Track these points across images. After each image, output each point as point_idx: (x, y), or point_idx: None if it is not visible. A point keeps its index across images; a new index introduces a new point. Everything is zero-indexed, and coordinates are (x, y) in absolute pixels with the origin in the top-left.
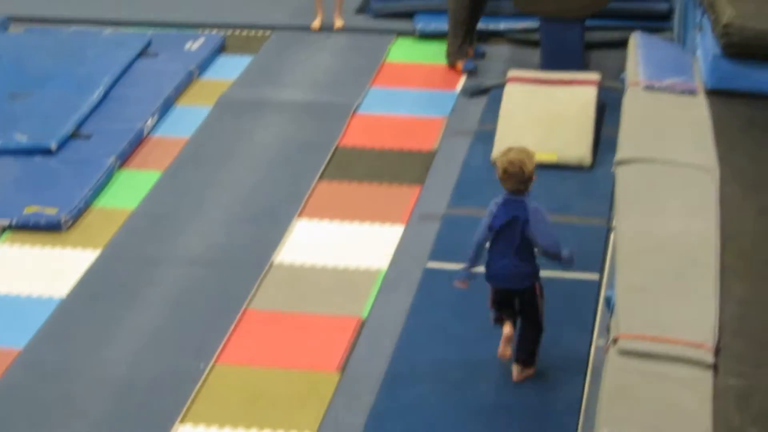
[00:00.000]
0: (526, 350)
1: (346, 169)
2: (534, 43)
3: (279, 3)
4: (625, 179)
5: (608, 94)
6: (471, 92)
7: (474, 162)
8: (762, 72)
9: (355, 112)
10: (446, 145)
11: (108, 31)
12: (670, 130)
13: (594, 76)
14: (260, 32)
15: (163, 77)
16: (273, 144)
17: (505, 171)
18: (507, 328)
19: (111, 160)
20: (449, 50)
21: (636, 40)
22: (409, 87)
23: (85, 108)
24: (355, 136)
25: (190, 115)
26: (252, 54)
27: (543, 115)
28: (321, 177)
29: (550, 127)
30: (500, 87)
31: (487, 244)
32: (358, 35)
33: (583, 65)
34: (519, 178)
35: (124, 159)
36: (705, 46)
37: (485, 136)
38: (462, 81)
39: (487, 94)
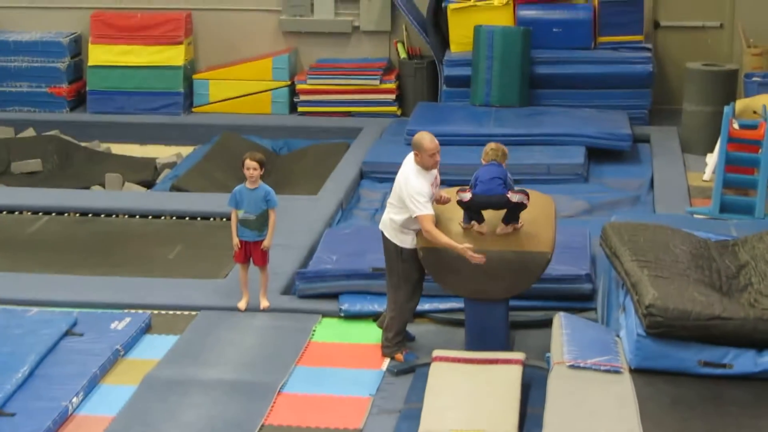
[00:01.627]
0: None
1: None
2: (459, 323)
3: (205, 284)
4: None
5: (533, 373)
6: (397, 371)
7: None
8: (685, 351)
9: (280, 391)
10: (372, 424)
11: (34, 310)
12: (596, 409)
13: (518, 355)
14: (186, 312)
15: (89, 356)
16: (198, 423)
17: (492, 149)
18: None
19: None
20: (387, 344)
21: (560, 321)
22: (335, 366)
23: (9, 386)
24: (281, 415)
25: (116, 394)
26: (178, 334)
27: (469, 393)
28: None
29: (476, 405)
30: (426, 366)
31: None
32: (283, 315)
33: (507, 345)
34: (499, 152)
35: None
36: (629, 326)
37: (412, 414)
38: (388, 360)
39: (413, 372)
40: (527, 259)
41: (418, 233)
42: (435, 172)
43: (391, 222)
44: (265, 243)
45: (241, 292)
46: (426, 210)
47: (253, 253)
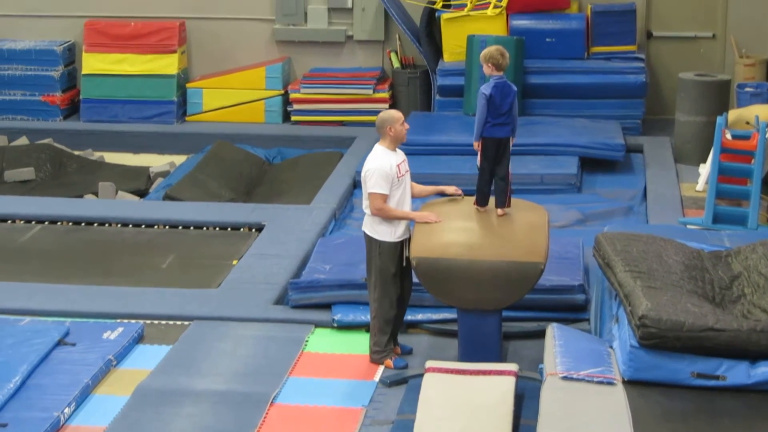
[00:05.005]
0: (503, 198)
1: None
2: (452, 334)
3: (197, 294)
4: None
5: (526, 385)
6: (390, 382)
7: None
8: (678, 363)
9: (273, 402)
10: None
11: (26, 320)
12: (589, 421)
13: (512, 366)
14: (179, 322)
15: (81, 366)
16: None
17: (498, 54)
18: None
19: None
20: (376, 349)
21: (553, 332)
22: (328, 377)
23: (1, 396)
24: (273, 426)
25: (108, 404)
26: (170, 343)
27: (462, 405)
28: None
29: (469, 417)
30: (419, 377)
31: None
32: (276, 326)
33: (500, 356)
34: (507, 56)
35: None
36: (622, 338)
37: (404, 425)
38: (380, 371)
39: (405, 384)
40: (520, 269)
41: (411, 241)
42: (402, 153)
43: (368, 219)
44: None
45: None
46: (380, 189)
47: None
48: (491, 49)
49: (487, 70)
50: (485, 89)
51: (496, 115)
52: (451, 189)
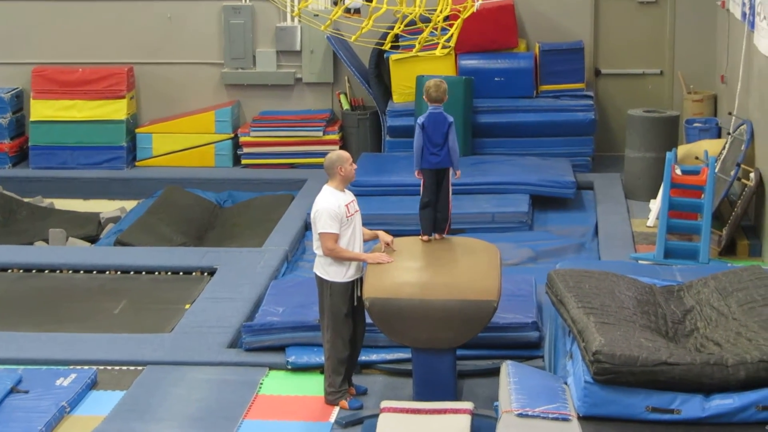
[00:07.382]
0: (442, 227)
1: None
2: (407, 374)
3: (150, 339)
4: None
5: (482, 423)
6: (345, 423)
7: None
8: (633, 397)
9: None
10: None
11: None
12: None
13: (467, 405)
14: (132, 367)
15: (34, 413)
16: None
17: (432, 86)
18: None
19: None
20: (330, 390)
21: (507, 369)
22: (283, 419)
23: None
24: None
25: None
26: (124, 389)
27: None
28: None
29: None
30: (374, 417)
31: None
32: (230, 369)
33: (455, 394)
34: (441, 89)
35: None
36: (576, 374)
37: None
38: (336, 412)
39: (361, 424)
40: (473, 307)
41: (364, 282)
42: (350, 193)
43: (319, 260)
44: None
45: None
46: (330, 229)
47: None
48: (428, 82)
49: (427, 101)
50: (420, 119)
51: (431, 145)
52: (386, 238)
